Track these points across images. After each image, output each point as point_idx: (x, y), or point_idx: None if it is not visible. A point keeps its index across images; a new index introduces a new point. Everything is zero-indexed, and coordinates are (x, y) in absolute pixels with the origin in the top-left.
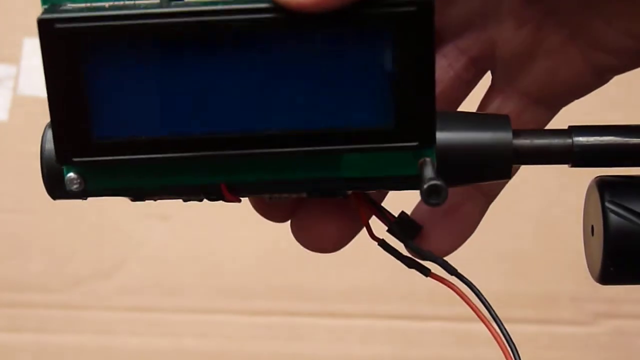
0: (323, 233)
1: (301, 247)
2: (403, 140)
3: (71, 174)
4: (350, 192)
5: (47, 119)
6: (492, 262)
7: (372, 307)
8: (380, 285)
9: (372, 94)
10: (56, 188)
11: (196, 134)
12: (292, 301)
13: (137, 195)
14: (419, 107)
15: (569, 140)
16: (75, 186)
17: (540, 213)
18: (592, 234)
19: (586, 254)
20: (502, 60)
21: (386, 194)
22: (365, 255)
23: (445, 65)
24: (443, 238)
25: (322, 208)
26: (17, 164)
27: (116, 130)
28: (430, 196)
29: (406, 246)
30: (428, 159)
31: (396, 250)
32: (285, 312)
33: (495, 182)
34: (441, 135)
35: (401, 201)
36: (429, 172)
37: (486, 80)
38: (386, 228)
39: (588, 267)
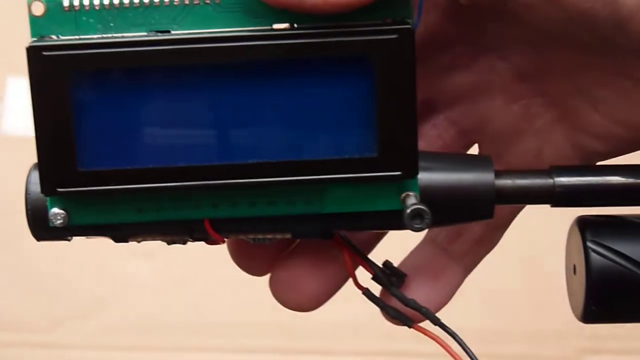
0: (302, 290)
1: None
2: (386, 170)
3: (55, 209)
4: (336, 233)
5: (31, 160)
6: (478, 299)
7: (356, 343)
8: (365, 321)
9: (354, 123)
10: (40, 229)
11: (180, 165)
12: (277, 338)
13: (120, 234)
14: (401, 136)
15: (550, 181)
16: (59, 221)
17: (525, 250)
18: (574, 273)
19: (568, 292)
20: (490, 135)
21: (373, 246)
22: (350, 292)
23: (435, 135)
24: (428, 294)
25: (302, 263)
26: (1, 204)
27: (101, 161)
28: (414, 219)
29: (390, 293)
30: (411, 194)
31: (380, 300)
32: (271, 350)
33: (476, 247)
34: (423, 175)
35: (385, 254)
36: (412, 199)
37: None
38: (371, 276)
39: (571, 305)
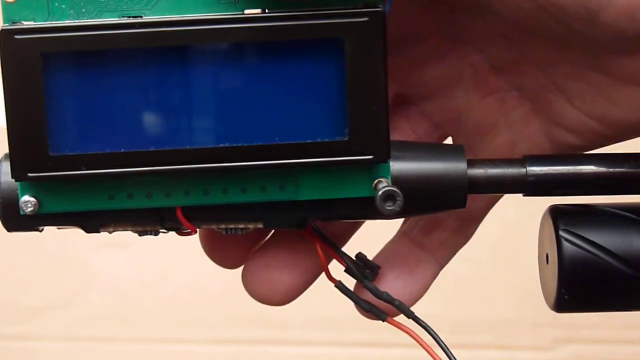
0: (275, 283)
1: None
2: (357, 154)
3: (26, 196)
4: (309, 224)
5: (3, 149)
6: (451, 289)
7: (333, 334)
8: (342, 312)
9: (325, 106)
10: (11, 219)
11: (151, 149)
12: (253, 330)
13: (92, 223)
14: (372, 119)
15: (523, 170)
16: (29, 209)
17: (499, 239)
18: (547, 262)
19: (541, 282)
20: (464, 128)
21: (347, 238)
22: (326, 283)
23: (408, 129)
24: (403, 287)
25: (276, 255)
26: None
27: (72, 146)
28: (385, 201)
29: (363, 285)
30: (383, 180)
31: (354, 294)
32: (246, 341)
33: (448, 242)
34: (395, 164)
35: (359, 247)
36: (384, 182)
37: None
38: (344, 268)
39: (543, 294)
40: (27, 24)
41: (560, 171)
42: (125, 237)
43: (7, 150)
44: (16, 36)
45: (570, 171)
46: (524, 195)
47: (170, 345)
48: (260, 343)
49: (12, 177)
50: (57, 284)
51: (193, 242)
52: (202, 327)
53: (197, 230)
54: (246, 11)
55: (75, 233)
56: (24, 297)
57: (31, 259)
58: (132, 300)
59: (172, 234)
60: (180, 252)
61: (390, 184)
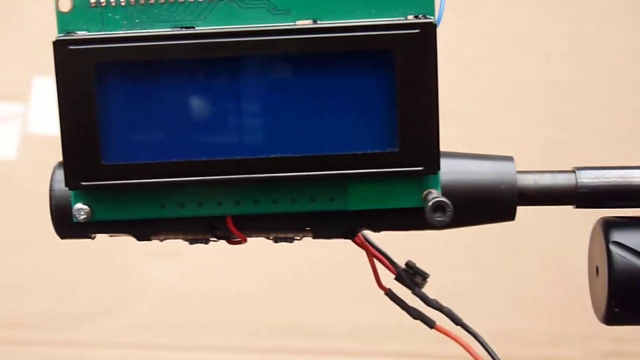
0: None
1: (307, 284)
2: (407, 165)
3: (79, 204)
4: (358, 232)
5: (56, 157)
6: (500, 301)
7: (378, 345)
8: (387, 323)
9: (375, 117)
10: (64, 226)
11: (203, 159)
12: (298, 339)
13: (143, 231)
14: (422, 131)
15: (574, 181)
16: (82, 216)
17: (548, 252)
18: (597, 275)
19: (591, 294)
20: None
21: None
22: (372, 293)
23: None
24: None
25: None
26: (23, 202)
27: (124, 155)
28: (435, 212)
29: (413, 293)
30: (433, 191)
31: (402, 301)
32: (291, 350)
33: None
34: (445, 174)
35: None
36: (434, 193)
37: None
38: (394, 276)
39: (593, 307)
40: (81, 34)
41: (612, 182)
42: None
43: (60, 159)
44: (70, 47)
45: (622, 182)
46: (574, 207)
47: (215, 353)
48: (305, 352)
49: (66, 186)
50: (103, 291)
51: (238, 251)
52: (247, 336)
53: (247, 239)
54: (298, 22)
55: (121, 240)
56: (70, 304)
57: (78, 266)
58: (178, 308)
59: (221, 242)
60: (227, 260)
61: (440, 195)
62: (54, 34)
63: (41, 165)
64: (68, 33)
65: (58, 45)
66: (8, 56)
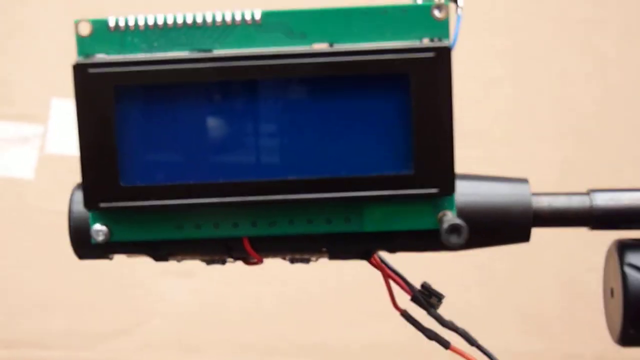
0: None
1: (322, 304)
2: (422, 187)
3: (97, 225)
4: (374, 253)
5: (74, 178)
6: (515, 322)
7: None
8: (403, 341)
9: (390, 140)
10: (83, 246)
11: (219, 181)
12: (314, 357)
13: (161, 251)
14: (437, 153)
15: (588, 203)
16: (100, 237)
17: (563, 272)
18: (612, 296)
19: (606, 315)
20: None
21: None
22: (387, 311)
23: None
24: None
25: None
26: (41, 222)
27: (143, 177)
28: (451, 234)
29: (429, 313)
30: (448, 212)
31: (418, 322)
32: None
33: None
34: (460, 196)
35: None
36: (449, 215)
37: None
38: (409, 297)
39: (608, 328)
40: (101, 57)
41: (627, 205)
42: (189, 265)
43: (78, 180)
44: (90, 70)
45: (637, 205)
46: (589, 229)
47: None
48: None
49: (84, 207)
50: (121, 310)
51: (254, 270)
52: (264, 355)
53: (263, 260)
54: (314, 46)
55: (139, 260)
56: (88, 324)
57: (96, 285)
58: (195, 327)
59: (237, 263)
60: (243, 279)
61: (455, 217)
62: (72, 55)
63: (58, 185)
64: (87, 56)
65: (78, 69)
66: (28, 77)
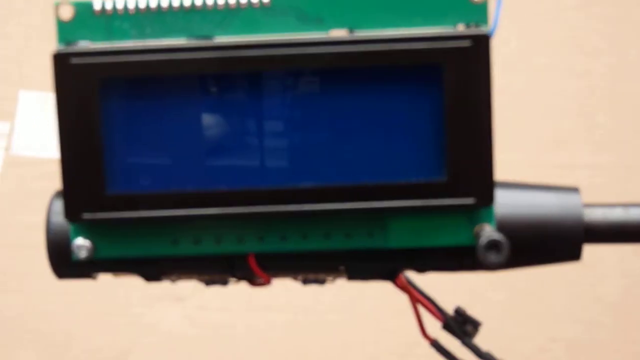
0: None
1: (340, 331)
2: (457, 196)
3: (79, 239)
4: (400, 274)
5: (44, 183)
6: (565, 353)
7: None
8: None
9: (420, 141)
10: (62, 264)
11: (222, 188)
12: None
13: (153, 270)
14: (474, 157)
15: None
16: (83, 253)
17: (620, 298)
18: None
19: None
20: None
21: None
22: (416, 341)
23: None
24: None
25: None
26: (8, 236)
27: (133, 183)
28: (489, 251)
29: (463, 343)
30: (487, 225)
31: (450, 354)
32: None
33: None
34: (500, 209)
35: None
36: (488, 229)
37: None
38: (441, 324)
39: None
40: (84, 45)
41: None
42: (181, 289)
43: (51, 185)
44: (72, 60)
45: None
46: None
47: None
48: None
49: (65, 217)
50: (101, 340)
51: (261, 294)
52: None
53: (271, 280)
54: (331, 32)
55: (125, 281)
56: (62, 356)
57: (71, 311)
58: (187, 354)
59: (242, 283)
60: (240, 305)
61: (494, 231)
62: (45, 38)
63: (27, 192)
64: (69, 44)
65: (58, 58)
66: None
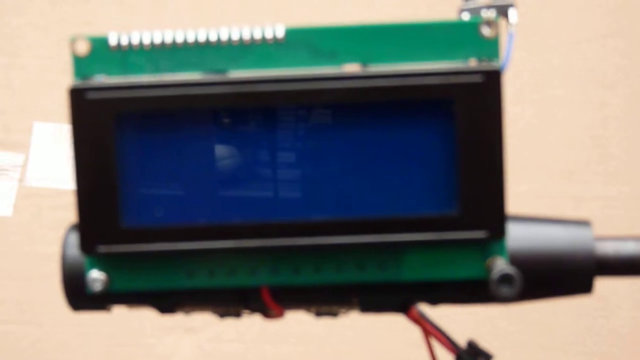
0: None
1: None
2: (469, 229)
3: (94, 272)
4: (412, 306)
5: (56, 213)
6: None
7: None
8: None
9: (432, 175)
10: (77, 297)
11: (236, 222)
12: None
13: (168, 302)
14: (485, 190)
15: None
16: (98, 286)
17: (633, 330)
18: None
19: None
20: None
21: None
22: None
23: None
24: None
25: None
26: (22, 267)
27: (147, 217)
28: (501, 284)
29: None
30: (499, 258)
31: None
32: None
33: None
34: (512, 243)
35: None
36: (500, 262)
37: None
38: (454, 357)
39: None
40: (100, 78)
41: None
42: (193, 320)
43: (63, 216)
44: (88, 95)
45: None
46: None
47: None
48: None
49: (81, 250)
50: None
51: (274, 327)
52: None
53: (284, 312)
54: (344, 67)
55: (141, 312)
56: None
57: (84, 343)
58: None
59: (255, 316)
60: (259, 337)
61: (506, 265)
62: (58, 71)
63: (40, 222)
64: (85, 79)
65: (74, 94)
66: (6, 96)
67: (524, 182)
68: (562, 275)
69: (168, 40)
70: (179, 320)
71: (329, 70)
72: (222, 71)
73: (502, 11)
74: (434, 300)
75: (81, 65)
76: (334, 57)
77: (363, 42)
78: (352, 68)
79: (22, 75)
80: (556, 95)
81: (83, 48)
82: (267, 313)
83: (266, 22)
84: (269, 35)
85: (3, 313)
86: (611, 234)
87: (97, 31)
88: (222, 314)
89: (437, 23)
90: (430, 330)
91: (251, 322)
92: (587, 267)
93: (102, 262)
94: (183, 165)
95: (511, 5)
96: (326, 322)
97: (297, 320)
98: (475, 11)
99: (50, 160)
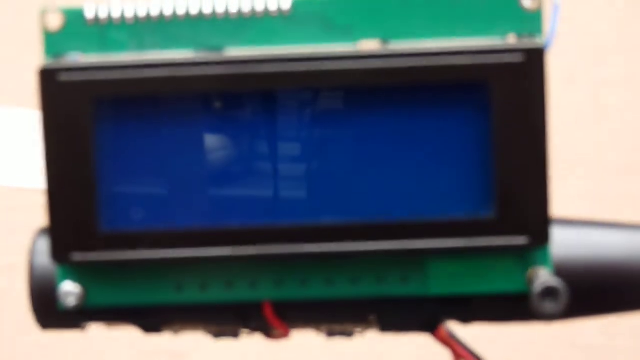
0: None
1: None
2: (507, 234)
3: (68, 284)
4: (440, 325)
5: (21, 216)
6: None
7: None
8: None
9: (464, 172)
10: (47, 314)
11: (232, 225)
12: None
13: (153, 320)
14: (527, 190)
15: None
16: (71, 300)
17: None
18: None
19: None
20: None
21: None
22: None
23: None
24: None
25: None
26: None
27: (130, 220)
28: (544, 298)
29: None
30: (542, 269)
31: None
32: None
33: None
34: (557, 251)
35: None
36: (543, 273)
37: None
38: None
39: None
40: (75, 57)
41: None
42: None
43: (29, 219)
44: (61, 76)
45: None
46: None
47: None
48: None
49: (53, 259)
50: None
51: (278, 348)
52: None
53: (289, 331)
54: (361, 43)
55: (113, 334)
56: None
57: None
58: None
59: (256, 336)
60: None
61: (551, 276)
62: (24, 47)
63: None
64: (58, 57)
65: (45, 75)
66: None
67: (573, 180)
68: (616, 288)
69: (154, 12)
70: (164, 342)
71: (343, 48)
72: (218, 49)
73: None
74: (466, 318)
75: (53, 41)
76: (349, 32)
77: (383, 13)
78: (370, 45)
79: None
80: (611, 77)
81: (55, 22)
82: (269, 332)
83: None
84: (272, 6)
85: None
86: None
87: (71, 2)
88: (217, 334)
89: None
90: (461, 353)
91: (251, 344)
92: None
93: (76, 272)
94: (172, 159)
95: None
96: (339, 343)
97: (305, 342)
98: None
99: (15, 154)
